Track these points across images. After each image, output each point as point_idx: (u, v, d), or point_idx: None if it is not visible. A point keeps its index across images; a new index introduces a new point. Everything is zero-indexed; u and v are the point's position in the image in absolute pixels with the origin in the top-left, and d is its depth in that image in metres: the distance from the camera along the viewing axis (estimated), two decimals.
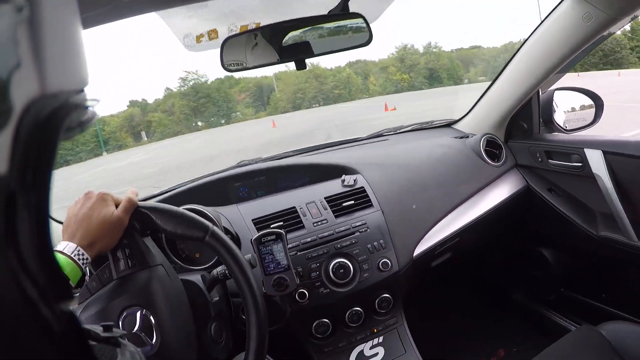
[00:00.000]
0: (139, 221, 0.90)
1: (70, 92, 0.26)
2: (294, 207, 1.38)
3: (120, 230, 0.86)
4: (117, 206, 0.87)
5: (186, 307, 0.92)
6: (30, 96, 0.23)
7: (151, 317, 0.84)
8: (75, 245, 0.78)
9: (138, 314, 0.83)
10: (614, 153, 1.38)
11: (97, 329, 0.49)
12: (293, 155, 1.71)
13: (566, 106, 1.71)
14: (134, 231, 0.90)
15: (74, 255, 0.77)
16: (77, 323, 0.27)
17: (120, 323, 0.83)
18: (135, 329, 0.82)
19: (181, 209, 0.92)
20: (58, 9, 0.26)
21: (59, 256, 0.75)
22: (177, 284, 0.93)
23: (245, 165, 1.61)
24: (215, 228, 0.91)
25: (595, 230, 1.51)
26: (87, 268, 0.81)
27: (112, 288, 0.86)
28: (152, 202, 0.93)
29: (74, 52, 0.28)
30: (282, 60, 1.14)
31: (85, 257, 0.79)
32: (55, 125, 0.24)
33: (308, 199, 1.41)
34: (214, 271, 1.02)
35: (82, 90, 0.28)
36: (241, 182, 1.55)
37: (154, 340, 0.83)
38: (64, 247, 0.77)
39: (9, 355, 0.22)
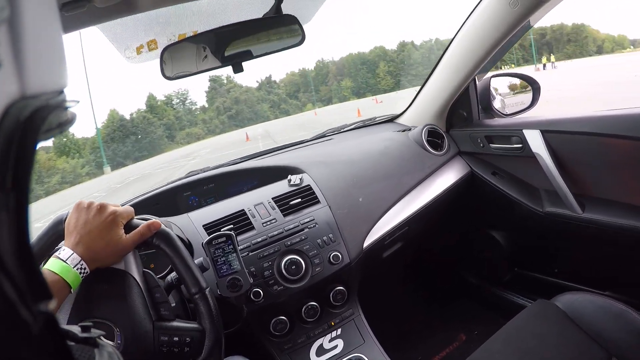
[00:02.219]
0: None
1: (50, 93, 0.26)
2: (243, 210, 1.40)
3: (122, 255, 0.88)
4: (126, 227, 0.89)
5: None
6: (10, 97, 0.23)
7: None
8: (80, 259, 0.79)
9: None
10: (551, 131, 1.44)
11: (75, 329, 0.49)
12: (241, 162, 1.73)
13: (504, 92, 1.79)
14: None
15: (76, 268, 0.78)
16: (55, 323, 0.26)
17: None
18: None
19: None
20: (39, 10, 0.26)
21: (62, 264, 0.77)
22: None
23: (195, 174, 1.62)
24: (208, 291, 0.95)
25: (541, 208, 1.57)
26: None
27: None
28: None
29: (55, 53, 0.28)
30: (224, 64, 1.18)
31: (85, 270, 0.80)
32: (35, 127, 0.24)
33: (256, 200, 1.44)
34: (168, 277, 1.05)
35: (62, 92, 0.28)
36: (191, 191, 1.57)
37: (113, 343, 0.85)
38: (68, 257, 0.78)
39: None
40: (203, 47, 1.19)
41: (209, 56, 1.19)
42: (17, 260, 0.23)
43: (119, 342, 0.86)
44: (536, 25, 1.53)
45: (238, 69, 1.19)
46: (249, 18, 1.19)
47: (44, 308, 0.25)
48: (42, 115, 0.25)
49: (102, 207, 0.87)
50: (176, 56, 1.16)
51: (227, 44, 1.19)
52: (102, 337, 0.49)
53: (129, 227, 0.90)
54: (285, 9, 1.17)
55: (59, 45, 0.28)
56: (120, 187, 18.29)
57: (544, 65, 36.27)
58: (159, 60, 1.13)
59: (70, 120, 0.28)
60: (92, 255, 0.81)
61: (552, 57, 41.17)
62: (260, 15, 1.18)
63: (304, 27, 1.20)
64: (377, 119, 2.05)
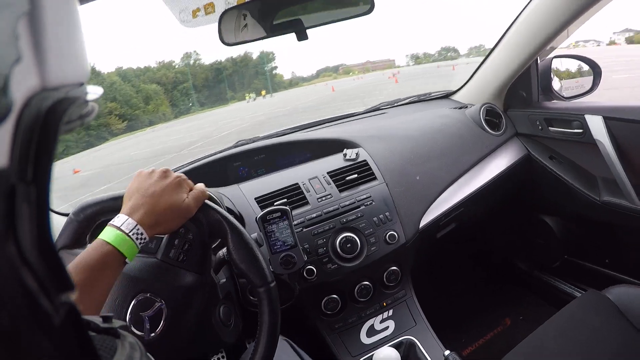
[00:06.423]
0: (208, 223, 0.86)
1: (71, 85, 0.27)
2: (297, 184, 1.35)
3: (185, 218, 0.82)
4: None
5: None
6: (31, 90, 0.23)
7: (165, 312, 0.83)
8: (135, 223, 0.74)
9: (157, 304, 0.82)
10: (615, 118, 1.37)
11: (97, 319, 0.48)
12: (291, 133, 1.68)
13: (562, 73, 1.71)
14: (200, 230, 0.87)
15: (132, 234, 0.73)
16: (77, 314, 0.27)
17: (136, 301, 0.82)
18: (146, 313, 0.82)
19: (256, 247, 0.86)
20: (59, 3, 0.26)
21: (116, 232, 0.72)
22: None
23: (244, 144, 1.57)
24: (273, 285, 0.84)
25: (598, 196, 1.51)
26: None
27: (152, 264, 0.86)
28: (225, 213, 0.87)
29: (75, 45, 0.28)
30: (285, 31, 1.09)
31: (143, 236, 0.74)
32: (55, 119, 0.25)
33: (310, 174, 1.38)
34: (220, 252, 0.99)
35: (82, 84, 0.28)
36: (240, 162, 1.52)
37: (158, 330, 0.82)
38: (122, 223, 0.73)
39: (8, 347, 0.22)
40: (260, 11, 1.12)
41: (267, 22, 1.12)
42: (38, 252, 0.24)
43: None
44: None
45: (302, 36, 1.11)
46: None
47: (66, 299, 0.25)
48: (63, 107, 0.25)
49: (166, 172, 0.83)
50: (234, 21, 1.09)
51: (287, 8, 1.11)
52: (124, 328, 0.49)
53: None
54: None
55: (80, 37, 0.29)
56: None
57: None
58: (216, 24, 1.06)
59: (92, 112, 0.28)
60: (152, 220, 0.76)
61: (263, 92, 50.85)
62: None
63: None
64: (432, 94, 1.98)
